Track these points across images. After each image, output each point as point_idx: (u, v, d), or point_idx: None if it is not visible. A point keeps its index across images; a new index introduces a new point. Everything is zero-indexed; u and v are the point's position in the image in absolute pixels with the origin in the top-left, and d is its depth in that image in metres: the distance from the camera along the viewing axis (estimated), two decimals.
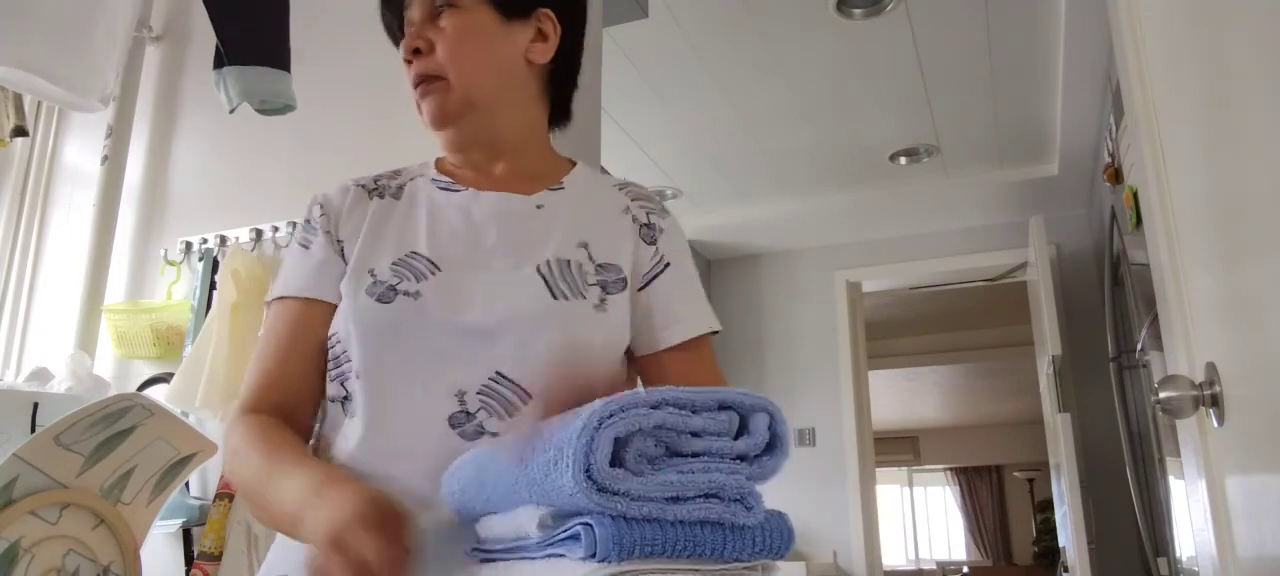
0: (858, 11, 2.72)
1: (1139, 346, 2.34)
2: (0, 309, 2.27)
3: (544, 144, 1.09)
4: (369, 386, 0.88)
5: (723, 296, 4.90)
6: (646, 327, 0.99)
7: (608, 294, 0.95)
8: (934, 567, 10.17)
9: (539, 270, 0.93)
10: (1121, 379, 2.79)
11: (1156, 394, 1.09)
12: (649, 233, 1.02)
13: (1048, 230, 3.66)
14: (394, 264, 0.93)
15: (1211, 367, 1.04)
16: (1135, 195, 2.06)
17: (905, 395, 8.74)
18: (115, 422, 1.35)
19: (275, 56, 1.81)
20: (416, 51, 0.98)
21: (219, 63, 1.82)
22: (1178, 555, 2.21)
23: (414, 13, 1.00)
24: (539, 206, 1.00)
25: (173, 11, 2.32)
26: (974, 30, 2.85)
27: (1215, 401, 1.03)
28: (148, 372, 1.98)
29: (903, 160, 3.81)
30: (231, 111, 1.84)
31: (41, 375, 1.93)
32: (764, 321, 4.77)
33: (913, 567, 10.29)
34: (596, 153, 1.99)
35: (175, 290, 2.03)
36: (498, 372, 0.87)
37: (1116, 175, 2.50)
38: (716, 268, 4.96)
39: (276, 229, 1.92)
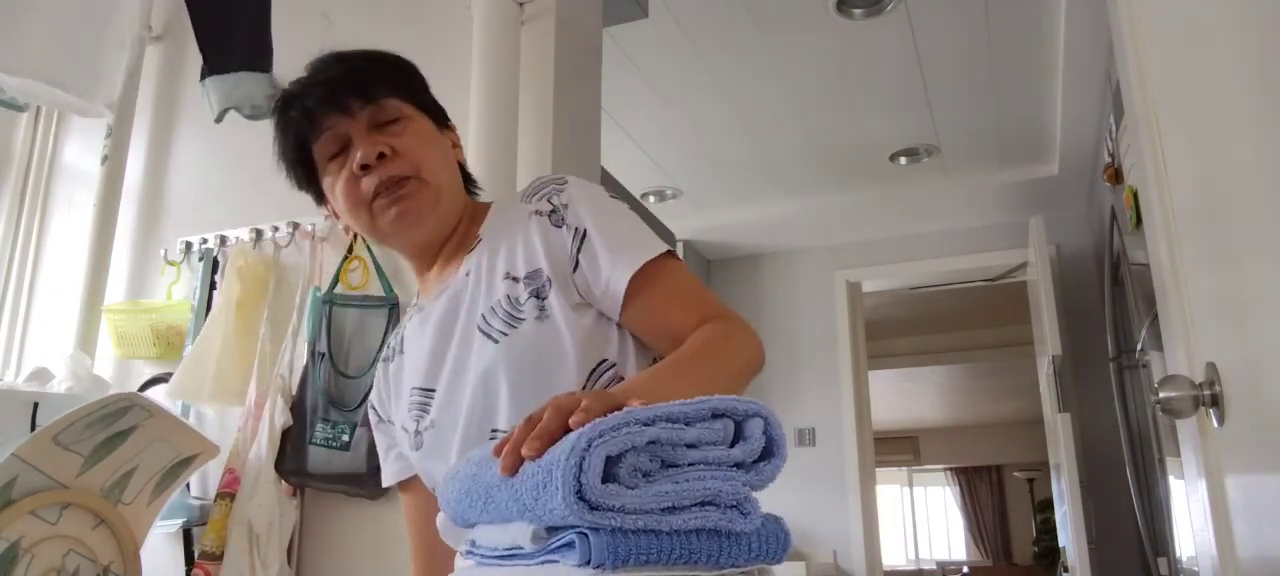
0: (858, 11, 2.72)
1: (1139, 346, 2.34)
2: (0, 309, 2.27)
3: (470, 216, 1.13)
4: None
5: (723, 296, 4.86)
6: (599, 298, 0.99)
7: (542, 299, 0.98)
8: (934, 567, 10.17)
9: (480, 329, 1.00)
10: (1121, 379, 2.79)
11: (1156, 394, 1.09)
12: (556, 217, 1.04)
13: (1048, 230, 3.65)
14: (408, 410, 1.05)
15: (1211, 367, 1.04)
16: (1135, 195, 2.06)
17: (905, 395, 8.73)
18: (115, 422, 1.35)
19: (253, 61, 1.82)
20: (381, 156, 1.00)
21: (205, 73, 1.83)
22: (1178, 555, 2.21)
23: (350, 129, 1.02)
24: (467, 274, 1.05)
25: (173, 11, 2.32)
26: (974, 30, 2.85)
27: (1215, 401, 1.02)
28: (148, 372, 1.98)
29: (903, 160, 3.81)
30: (217, 121, 1.84)
31: (41, 375, 1.93)
32: (764, 322, 4.77)
33: (913, 567, 10.28)
34: (596, 153, 1.99)
35: (175, 290, 2.03)
36: (493, 430, 0.97)
37: (1116, 175, 2.50)
38: (716, 267, 4.96)
39: (276, 229, 1.92)
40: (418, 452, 1.05)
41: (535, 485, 0.59)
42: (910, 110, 3.36)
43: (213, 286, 1.94)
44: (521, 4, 1.82)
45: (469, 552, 0.72)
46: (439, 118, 1.11)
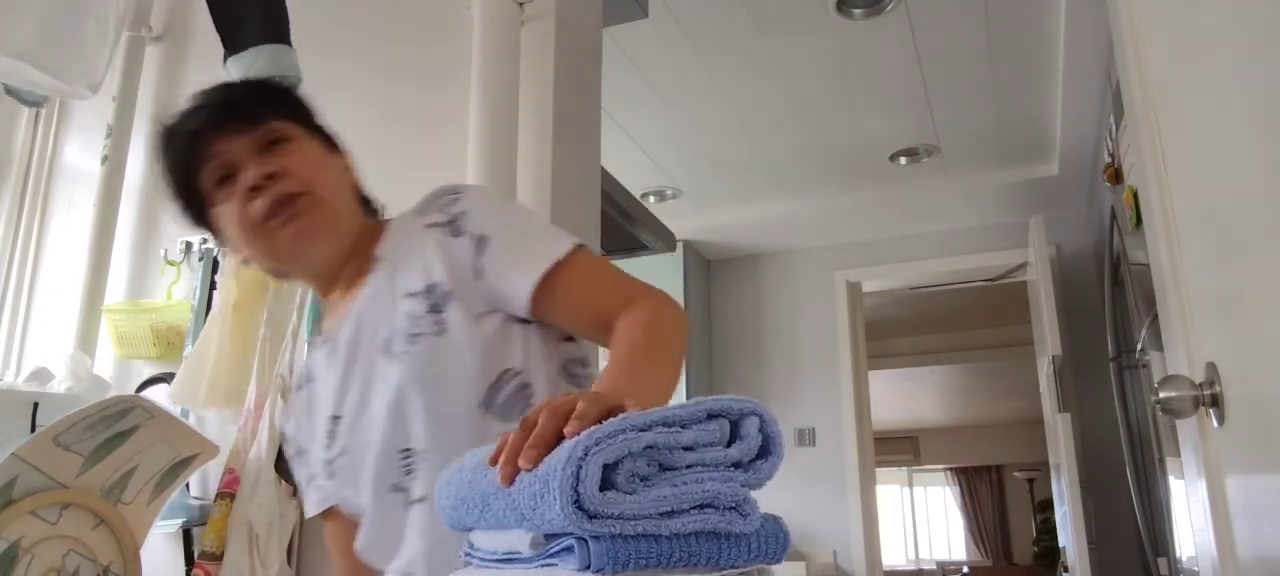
0: (858, 11, 2.72)
1: (1139, 346, 2.34)
2: (0, 309, 2.27)
3: (369, 238, 1.11)
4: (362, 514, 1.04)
5: (723, 296, 4.90)
6: (510, 302, 0.98)
7: (439, 313, 0.97)
8: (934, 567, 10.17)
9: (383, 351, 1.00)
10: (1121, 379, 2.79)
11: (1156, 394, 1.09)
12: (453, 227, 1.02)
13: (1048, 230, 3.65)
14: (322, 440, 1.05)
15: (1211, 367, 1.04)
16: (1135, 195, 2.06)
17: (905, 395, 8.73)
18: (115, 423, 1.35)
19: (268, 33, 1.81)
20: (270, 177, 0.98)
21: (226, 57, 1.82)
22: (1178, 555, 2.21)
23: (237, 152, 1.00)
24: (369, 296, 1.04)
25: (173, 11, 2.32)
26: (974, 30, 2.85)
27: (1215, 401, 1.02)
28: (148, 372, 1.98)
29: (903, 160, 3.81)
30: None
31: (41, 375, 1.93)
32: (764, 321, 4.77)
33: (913, 567, 10.28)
34: (596, 152, 1.99)
35: (175, 290, 2.03)
36: (404, 449, 0.98)
37: (1116, 175, 2.50)
38: (716, 267, 4.96)
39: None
40: (331, 481, 1.05)
41: (532, 494, 0.59)
42: (910, 110, 3.36)
43: (213, 286, 1.94)
44: (521, 4, 1.82)
45: (467, 555, 0.72)
46: (328, 141, 1.10)
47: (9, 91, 2.03)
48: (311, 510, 1.13)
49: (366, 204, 1.14)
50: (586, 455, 0.56)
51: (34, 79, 1.82)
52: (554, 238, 1.01)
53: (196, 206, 1.04)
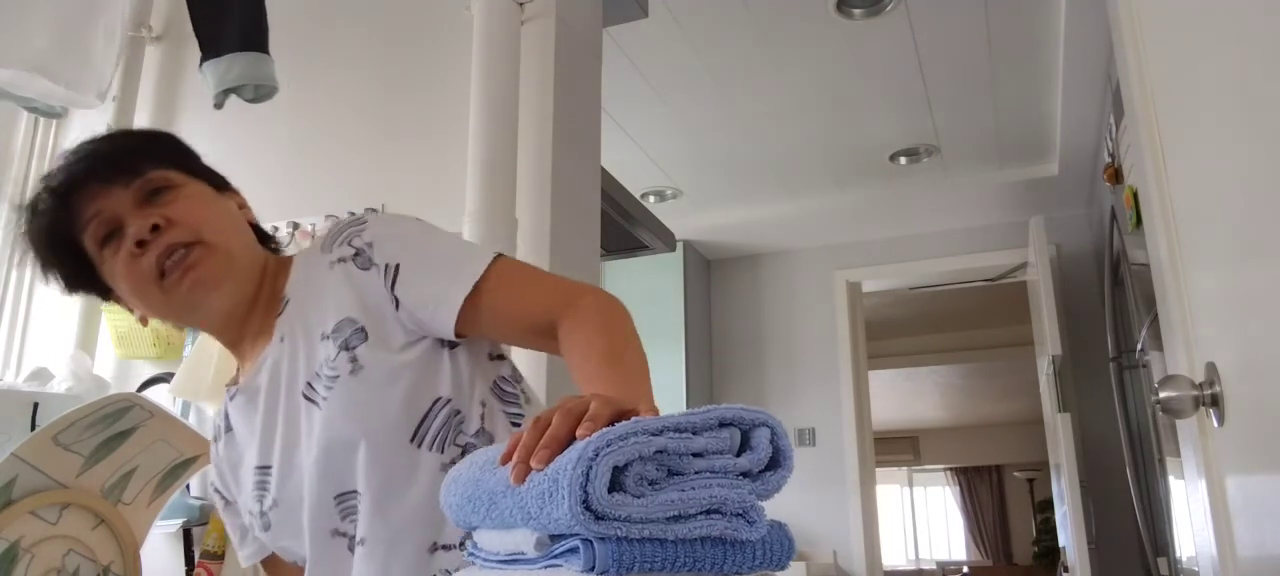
0: (858, 11, 2.72)
1: (1139, 346, 2.34)
2: (0, 309, 2.26)
3: (273, 277, 1.06)
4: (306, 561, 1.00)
5: (723, 296, 4.90)
6: (434, 325, 0.94)
7: (351, 349, 0.93)
8: (934, 567, 10.17)
9: (304, 397, 0.96)
10: (1121, 379, 2.79)
11: (1156, 394, 1.09)
12: (361, 259, 0.97)
13: (1048, 230, 3.66)
14: (252, 491, 1.01)
15: (1211, 368, 1.04)
16: (1135, 195, 2.06)
17: (905, 395, 8.73)
18: (115, 423, 1.35)
19: (247, 41, 1.81)
20: (155, 228, 0.93)
21: (202, 61, 1.83)
22: (1178, 555, 2.21)
23: (119, 206, 0.94)
24: (281, 340, 0.99)
25: (173, 11, 2.32)
26: (974, 30, 2.85)
27: (1215, 401, 1.03)
28: (148, 372, 1.98)
29: (903, 160, 3.81)
30: (217, 106, 1.84)
31: (41, 375, 1.92)
32: (764, 321, 4.77)
33: (913, 567, 10.29)
34: (596, 153, 1.99)
35: None
36: (345, 492, 0.94)
37: (1116, 175, 2.50)
38: (716, 267, 4.96)
39: (276, 228, 1.91)
40: (267, 533, 1.00)
41: (541, 493, 0.59)
42: (910, 110, 3.36)
43: None
44: (521, 4, 1.82)
45: (471, 555, 0.72)
46: (216, 182, 1.04)
47: (29, 108, 2.03)
48: (247, 562, 1.09)
49: (265, 239, 1.08)
50: (597, 456, 0.56)
51: (45, 90, 1.83)
52: (470, 254, 0.96)
53: (77, 267, 0.98)
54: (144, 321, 1.02)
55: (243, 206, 1.07)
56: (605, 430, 0.59)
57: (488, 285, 0.93)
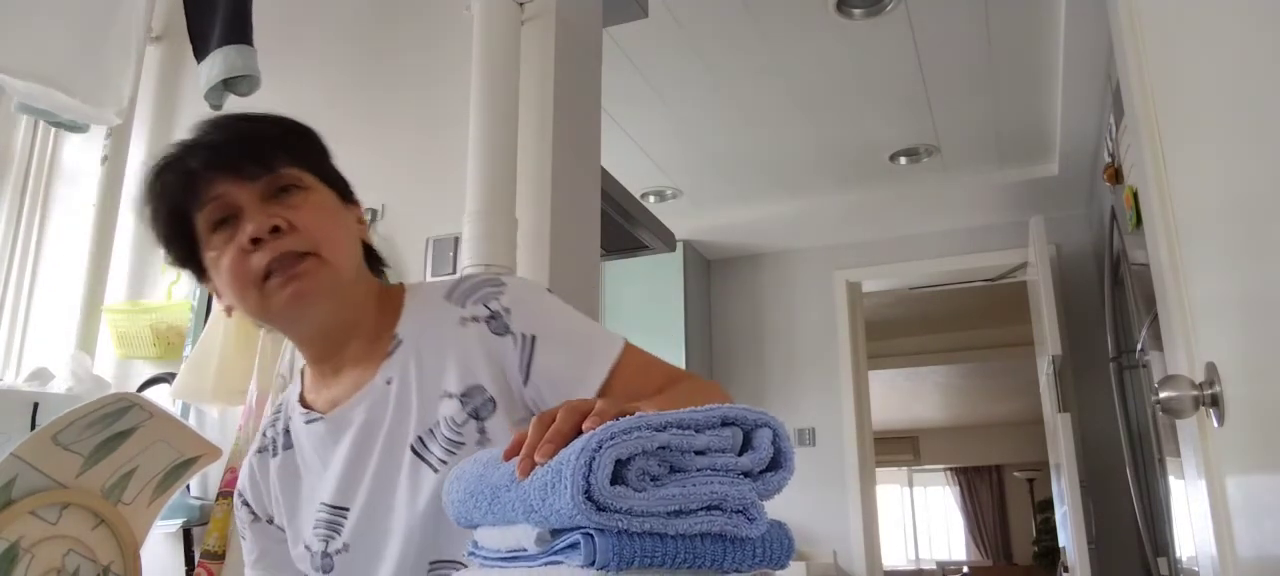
0: (858, 11, 2.72)
1: (1139, 346, 2.34)
2: (0, 309, 2.27)
3: (378, 304, 1.01)
4: None
5: (723, 296, 4.90)
6: (554, 403, 0.93)
7: (482, 420, 0.90)
8: (934, 567, 10.17)
9: (414, 451, 0.92)
10: (1121, 379, 2.79)
11: (1156, 394, 1.09)
12: (497, 323, 0.93)
13: (1048, 230, 3.66)
14: (315, 528, 0.96)
15: (1211, 368, 1.04)
16: (1135, 195, 2.06)
17: (905, 395, 8.73)
18: (114, 422, 1.35)
19: (230, 34, 1.82)
20: (275, 230, 0.89)
21: (200, 56, 1.83)
22: (1178, 555, 2.21)
23: (243, 198, 0.91)
24: (388, 382, 0.95)
25: (173, 11, 2.32)
26: (974, 30, 2.85)
27: (1215, 401, 1.03)
28: (148, 372, 1.98)
29: (903, 160, 3.81)
30: (216, 107, 1.85)
31: (41, 375, 1.92)
32: (764, 321, 4.77)
33: (913, 567, 10.29)
34: (597, 153, 1.99)
35: (175, 290, 2.03)
36: (434, 562, 0.90)
37: (1116, 175, 2.50)
38: (716, 267, 4.96)
39: None
40: (322, 575, 0.96)
41: (543, 485, 0.60)
42: (910, 110, 3.36)
43: None
44: (521, 4, 1.82)
45: (472, 553, 0.72)
46: (342, 191, 1.01)
47: (53, 122, 2.03)
48: None
49: (375, 262, 1.04)
50: (600, 447, 0.57)
51: (62, 104, 1.83)
52: (603, 337, 0.94)
53: (186, 247, 0.95)
54: (229, 312, 0.99)
55: (361, 221, 1.03)
56: (610, 423, 0.59)
57: (619, 372, 0.91)
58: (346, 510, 0.94)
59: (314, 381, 1.02)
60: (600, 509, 0.56)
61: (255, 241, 0.89)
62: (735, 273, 4.90)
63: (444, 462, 0.89)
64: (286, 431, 1.02)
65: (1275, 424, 0.86)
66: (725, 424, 0.62)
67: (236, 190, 0.91)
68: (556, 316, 0.96)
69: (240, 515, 1.06)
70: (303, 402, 1.02)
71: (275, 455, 1.02)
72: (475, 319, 0.94)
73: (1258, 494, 0.96)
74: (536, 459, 0.62)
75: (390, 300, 1.01)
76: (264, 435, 1.05)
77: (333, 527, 0.95)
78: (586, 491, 0.56)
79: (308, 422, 0.99)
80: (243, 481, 1.05)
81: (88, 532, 1.35)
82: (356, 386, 0.96)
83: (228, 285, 0.92)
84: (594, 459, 0.57)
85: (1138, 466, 2.67)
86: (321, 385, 1.01)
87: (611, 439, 0.58)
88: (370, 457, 0.93)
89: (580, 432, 0.62)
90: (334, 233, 0.94)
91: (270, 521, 1.04)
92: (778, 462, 0.63)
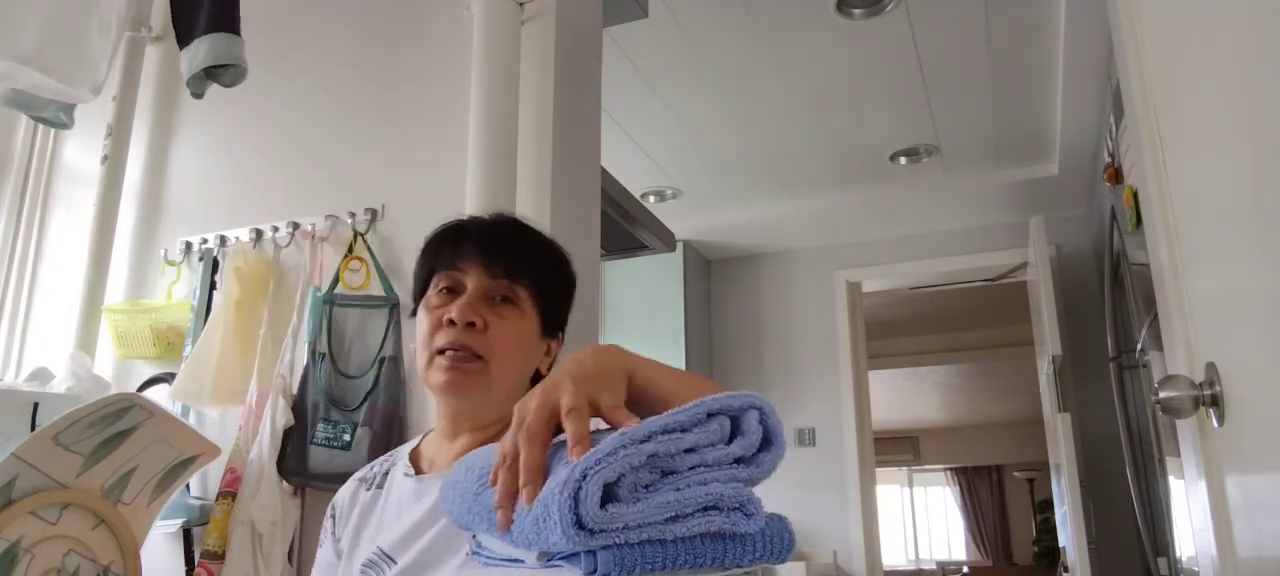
0: (858, 11, 2.72)
1: (1139, 346, 2.34)
2: (0, 309, 2.27)
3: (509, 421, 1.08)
4: None
5: (723, 296, 4.90)
6: None
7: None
8: (934, 567, 10.18)
9: (473, 553, 0.94)
10: (1121, 379, 2.79)
11: (1156, 394, 1.09)
12: None
13: (1048, 230, 3.66)
14: (364, 564, 1.01)
15: (1211, 368, 1.04)
16: (1135, 195, 2.06)
17: (905, 395, 8.74)
18: (114, 422, 1.35)
19: (214, 24, 1.81)
20: (471, 325, 1.00)
21: (182, 44, 1.82)
22: (1178, 555, 2.21)
23: (470, 283, 1.03)
24: None
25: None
26: (974, 30, 2.85)
27: (1215, 401, 1.03)
28: (148, 372, 1.98)
29: (903, 160, 3.81)
30: (197, 96, 1.84)
31: (41, 375, 1.92)
32: (764, 321, 4.77)
33: (913, 567, 10.29)
34: (597, 153, 1.99)
35: (175, 290, 2.03)
36: None
37: (1116, 175, 2.50)
38: (716, 267, 4.96)
39: (276, 229, 1.92)
40: None
41: (535, 519, 0.59)
42: (910, 110, 3.36)
43: (213, 286, 1.94)
44: (521, 4, 1.82)
45: (475, 553, 0.72)
46: (550, 325, 1.09)
47: (36, 117, 2.00)
48: None
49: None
50: (585, 477, 0.56)
51: (37, 82, 1.81)
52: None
53: (422, 284, 1.08)
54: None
55: (549, 353, 1.11)
56: (594, 450, 0.58)
57: None
58: (394, 562, 0.98)
59: (434, 441, 1.11)
60: (595, 533, 0.56)
61: (451, 322, 1.00)
62: (735, 273, 4.90)
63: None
64: (386, 474, 1.10)
65: (1275, 424, 0.86)
66: (711, 416, 0.62)
67: (474, 276, 1.03)
68: None
69: (325, 524, 1.14)
70: (412, 457, 1.10)
71: (369, 490, 1.10)
72: None
73: (1257, 494, 0.96)
74: (525, 506, 0.61)
75: None
76: (372, 467, 1.14)
77: (377, 571, 1.00)
78: (577, 522, 0.56)
79: (406, 475, 1.07)
80: (340, 495, 1.14)
81: (88, 532, 1.35)
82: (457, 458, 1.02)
83: (419, 332, 1.05)
84: (580, 489, 0.56)
85: (1138, 466, 2.67)
86: (438, 445, 1.09)
87: (596, 465, 0.57)
88: (430, 529, 0.97)
89: (557, 435, 0.61)
90: (513, 355, 1.04)
91: (338, 541, 1.10)
92: (768, 441, 0.63)
